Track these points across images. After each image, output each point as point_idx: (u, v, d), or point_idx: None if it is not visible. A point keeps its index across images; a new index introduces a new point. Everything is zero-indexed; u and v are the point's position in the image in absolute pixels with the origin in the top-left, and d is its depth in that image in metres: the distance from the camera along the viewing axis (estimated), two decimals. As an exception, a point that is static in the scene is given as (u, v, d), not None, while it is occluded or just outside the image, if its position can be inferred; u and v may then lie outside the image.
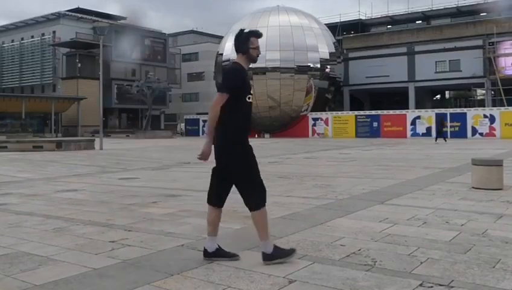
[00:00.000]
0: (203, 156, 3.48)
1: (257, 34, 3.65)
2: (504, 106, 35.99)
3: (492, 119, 32.54)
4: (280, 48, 38.76)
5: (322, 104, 40.71)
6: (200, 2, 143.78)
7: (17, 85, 58.39)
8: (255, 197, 3.49)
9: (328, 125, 39.17)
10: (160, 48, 59.23)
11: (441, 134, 26.85)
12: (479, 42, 41.39)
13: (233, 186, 3.57)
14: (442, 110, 35.96)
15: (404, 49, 44.59)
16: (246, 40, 3.60)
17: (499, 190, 7.10)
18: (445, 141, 25.99)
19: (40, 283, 3.11)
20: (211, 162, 3.56)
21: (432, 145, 23.29)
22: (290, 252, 3.54)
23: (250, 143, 3.57)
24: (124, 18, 59.57)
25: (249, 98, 3.57)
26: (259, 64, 39.29)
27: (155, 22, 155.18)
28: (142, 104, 50.19)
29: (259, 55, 3.66)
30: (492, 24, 41.11)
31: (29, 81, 56.97)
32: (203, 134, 45.31)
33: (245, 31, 3.66)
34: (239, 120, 3.52)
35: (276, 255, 3.48)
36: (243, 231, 4.64)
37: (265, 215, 3.53)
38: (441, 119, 28.48)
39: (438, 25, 47.20)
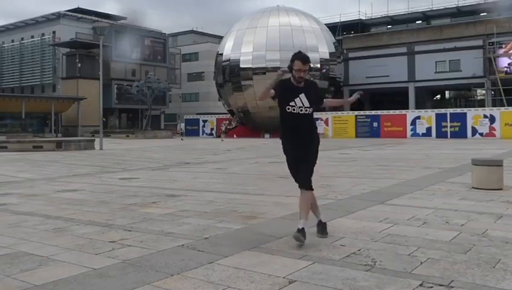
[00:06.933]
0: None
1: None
2: (504, 106, 35.96)
3: (492, 119, 32.51)
4: (280, 48, 38.75)
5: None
6: (200, 1, 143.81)
7: (17, 85, 58.42)
8: None
9: (328, 126, 39.13)
10: (160, 48, 59.26)
11: None
12: (479, 42, 41.37)
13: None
14: (442, 111, 35.95)
15: (404, 49, 44.56)
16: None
17: (499, 190, 7.09)
18: None
19: (40, 283, 3.10)
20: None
21: (432, 145, 23.27)
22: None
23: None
24: (124, 18, 59.63)
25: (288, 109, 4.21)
26: (259, 64, 39.50)
27: (155, 22, 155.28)
28: (142, 104, 50.20)
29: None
30: (492, 24, 41.08)
31: (29, 81, 56.99)
32: (203, 134, 45.51)
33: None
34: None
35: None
36: (243, 231, 4.64)
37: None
38: None
39: (438, 25, 47.15)
